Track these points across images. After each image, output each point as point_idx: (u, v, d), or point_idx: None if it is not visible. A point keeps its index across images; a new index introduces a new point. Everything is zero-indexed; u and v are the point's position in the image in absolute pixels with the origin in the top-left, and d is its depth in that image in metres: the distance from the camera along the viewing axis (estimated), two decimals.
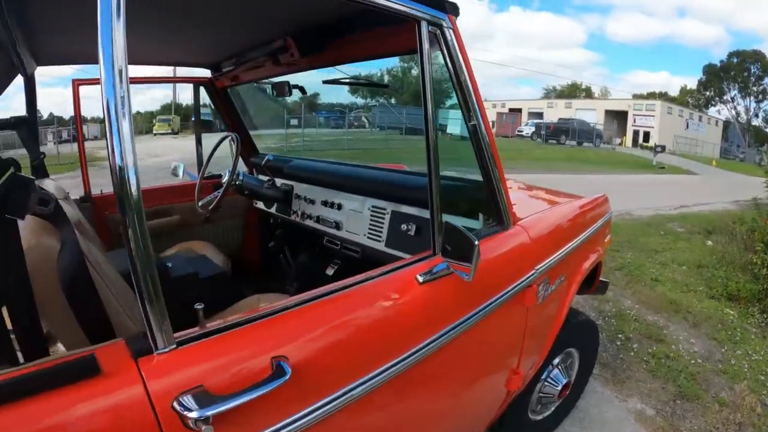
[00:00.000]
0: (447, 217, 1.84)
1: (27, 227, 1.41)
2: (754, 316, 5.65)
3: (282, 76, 3.40)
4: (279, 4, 2.23)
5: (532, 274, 2.24)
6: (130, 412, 1.03)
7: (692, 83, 73.74)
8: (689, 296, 6.17)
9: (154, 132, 47.02)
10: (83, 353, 1.04)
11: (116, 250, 3.04)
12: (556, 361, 3.06)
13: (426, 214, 2.50)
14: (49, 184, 2.98)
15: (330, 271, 3.46)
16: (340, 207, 3.23)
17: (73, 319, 1.32)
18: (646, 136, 53.68)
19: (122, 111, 1.02)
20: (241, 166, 3.79)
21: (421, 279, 1.72)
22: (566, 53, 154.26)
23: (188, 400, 1.06)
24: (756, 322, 5.54)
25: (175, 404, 1.05)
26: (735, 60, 64.53)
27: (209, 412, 1.05)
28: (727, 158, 53.55)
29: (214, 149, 3.66)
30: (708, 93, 69.01)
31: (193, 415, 1.04)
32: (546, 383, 3.01)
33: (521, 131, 49.30)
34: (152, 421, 1.03)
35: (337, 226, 3.22)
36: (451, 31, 1.84)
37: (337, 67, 2.99)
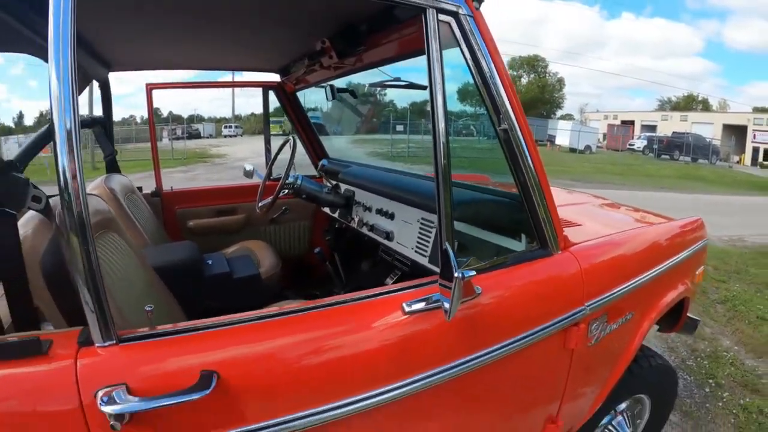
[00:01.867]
0: (486, 235, 1.89)
1: (26, 221, 1.58)
2: None
3: (340, 77, 3.39)
4: (312, 5, 2.18)
5: (580, 311, 1.91)
6: (57, 393, 1.11)
7: None
8: None
9: (272, 133, 49.78)
10: (35, 335, 1.16)
11: (154, 245, 3.07)
12: (622, 407, 2.71)
13: (475, 231, 2.29)
14: (118, 180, 3.20)
15: (389, 281, 3.26)
16: (393, 217, 3.08)
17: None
18: (767, 154, 50.23)
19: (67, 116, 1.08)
20: (306, 170, 3.96)
21: (407, 308, 1.50)
22: (682, 62, 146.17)
23: (108, 394, 1.11)
24: None
25: (98, 395, 1.10)
26: None
27: (120, 410, 1.09)
28: None
29: (278, 152, 3.67)
30: None
31: (106, 409, 1.08)
32: (606, 431, 2.67)
33: (632, 145, 48.02)
34: (76, 407, 1.10)
35: (388, 236, 3.06)
36: (471, 19, 1.61)
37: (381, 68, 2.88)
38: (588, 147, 42.37)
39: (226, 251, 3.77)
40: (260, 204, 3.50)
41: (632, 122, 62.93)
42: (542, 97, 72.77)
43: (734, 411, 3.99)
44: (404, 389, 1.46)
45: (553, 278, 1.90)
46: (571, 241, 2.04)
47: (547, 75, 75.05)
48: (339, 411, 1.35)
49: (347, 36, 2.48)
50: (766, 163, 43.12)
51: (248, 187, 4.11)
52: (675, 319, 3.09)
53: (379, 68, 2.87)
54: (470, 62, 1.65)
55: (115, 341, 1.18)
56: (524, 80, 74.70)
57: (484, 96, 1.69)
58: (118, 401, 1.10)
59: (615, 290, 2.08)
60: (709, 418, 3.90)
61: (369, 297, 1.54)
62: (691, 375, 4.52)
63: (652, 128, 58.62)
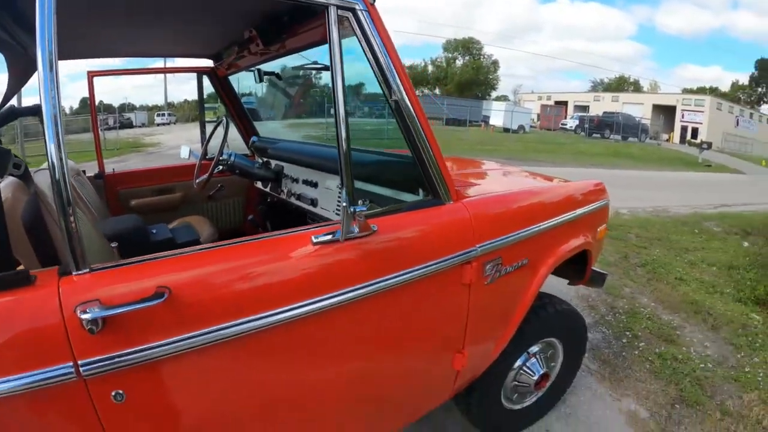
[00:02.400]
0: (390, 192, 2.23)
1: (6, 185, 1.91)
2: None
3: (267, 62, 3.57)
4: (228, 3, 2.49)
5: (472, 251, 2.21)
6: (45, 311, 1.36)
7: (745, 79, 71.61)
8: (714, 298, 5.89)
9: (208, 119, 48.22)
10: (25, 270, 1.41)
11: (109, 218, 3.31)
12: (534, 350, 3.02)
13: (380, 190, 2.64)
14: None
15: None
16: (316, 185, 3.39)
17: (33, 252, 1.74)
18: (695, 132, 52.21)
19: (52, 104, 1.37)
20: (238, 148, 4.08)
21: (315, 240, 1.78)
22: (615, 46, 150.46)
23: (84, 308, 1.36)
24: None
25: (77, 309, 1.36)
26: None
27: (93, 316, 1.34)
28: None
29: (212, 133, 3.89)
30: (760, 89, 66.90)
31: (84, 316, 1.34)
32: (522, 372, 2.99)
33: (565, 124, 49.32)
34: (59, 320, 1.35)
35: (313, 203, 3.38)
36: (366, 13, 1.89)
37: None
38: (521, 127, 43.06)
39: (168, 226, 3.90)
40: (197, 181, 3.72)
41: (566, 103, 64.46)
42: (477, 79, 73.67)
43: (650, 358, 4.30)
44: (315, 305, 1.74)
45: (445, 223, 2.18)
46: (465, 194, 2.36)
47: (482, 57, 75.92)
48: (259, 322, 1.63)
49: (270, 26, 2.72)
50: (693, 141, 44.64)
51: (186, 167, 4.25)
52: (583, 272, 3.47)
53: (301, 53, 3.09)
54: (366, 48, 1.92)
55: (88, 270, 1.44)
56: (459, 62, 75.68)
57: (377, 75, 1.95)
58: (91, 312, 1.35)
59: (505, 236, 2.38)
60: (626, 365, 4.19)
61: (287, 233, 1.83)
62: (609, 329, 4.83)
63: (585, 109, 60.15)
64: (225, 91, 4.40)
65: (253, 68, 3.64)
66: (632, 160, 27.43)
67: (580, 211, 3.07)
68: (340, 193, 2.97)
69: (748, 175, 26.35)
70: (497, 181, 3.71)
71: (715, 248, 8.19)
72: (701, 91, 67.79)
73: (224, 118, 3.70)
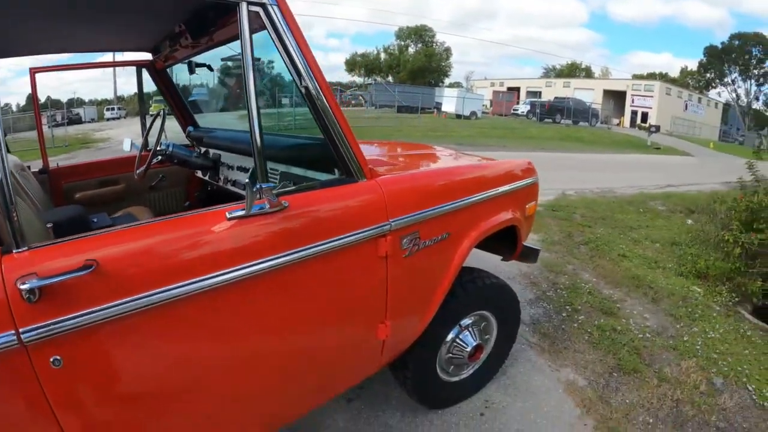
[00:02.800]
0: (307, 173, 2.44)
1: None
2: (721, 295, 5.49)
3: (200, 54, 3.63)
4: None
5: (384, 225, 2.31)
6: None
7: (694, 65, 73.05)
8: (656, 273, 6.00)
9: (151, 113, 47.73)
10: None
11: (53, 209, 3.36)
12: (466, 322, 3.13)
13: (303, 172, 2.77)
14: (9, 158, 3.31)
15: None
16: (248, 171, 3.48)
17: None
18: (645, 116, 52.90)
19: None
20: (178, 139, 4.26)
21: (228, 215, 1.86)
22: (568, 33, 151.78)
23: (23, 280, 1.47)
24: (722, 300, 5.37)
25: (17, 282, 1.47)
26: (736, 42, 63.65)
27: (33, 286, 1.46)
28: (726, 141, 52.96)
29: (151, 124, 3.92)
30: (708, 75, 68.40)
31: (23, 287, 1.45)
32: (455, 344, 3.10)
33: (517, 110, 49.39)
34: (2, 292, 1.46)
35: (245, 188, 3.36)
36: (276, 8, 2.00)
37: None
38: (473, 113, 42.90)
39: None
40: (137, 171, 3.73)
41: (518, 89, 64.90)
42: (429, 66, 73.52)
43: (589, 330, 4.34)
44: (231, 275, 1.84)
45: (356, 199, 2.28)
46: (380, 173, 2.47)
47: (435, 44, 75.85)
48: (179, 290, 1.73)
49: (196, 21, 2.89)
50: (643, 125, 45.38)
51: (130, 159, 4.22)
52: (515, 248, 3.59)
53: (229, 45, 3.18)
54: (276, 40, 2.04)
55: (26, 248, 1.56)
56: (411, 50, 75.40)
57: (287, 64, 2.08)
58: (29, 283, 1.46)
59: (421, 212, 2.48)
60: (565, 337, 4.23)
61: (205, 211, 1.94)
62: (550, 304, 4.86)
63: (538, 95, 60.72)
64: (164, 84, 4.44)
65: (185, 61, 3.69)
66: (582, 144, 27.80)
67: (504, 188, 3.17)
68: (271, 176, 3.03)
69: (695, 157, 26.99)
70: (426, 161, 3.83)
71: (659, 226, 8.35)
72: (651, 77, 69.24)
73: (161, 110, 3.76)
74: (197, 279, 1.77)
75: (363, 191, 2.30)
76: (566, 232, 7.40)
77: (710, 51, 66.85)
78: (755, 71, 64.35)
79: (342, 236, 2.16)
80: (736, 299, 5.46)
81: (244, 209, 1.87)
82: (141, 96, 4.90)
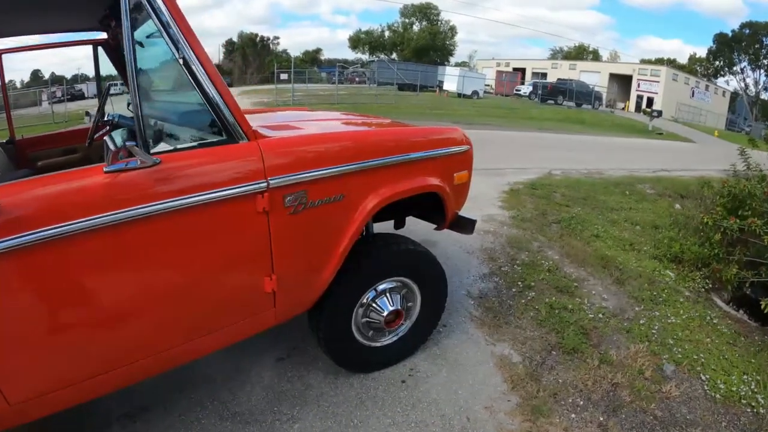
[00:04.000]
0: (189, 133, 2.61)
1: None
2: (694, 281, 5.27)
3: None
4: None
5: (261, 183, 2.43)
6: None
7: (703, 52, 72.28)
8: (629, 255, 5.77)
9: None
10: None
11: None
12: (383, 287, 3.21)
13: (196, 135, 2.77)
14: None
15: None
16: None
17: None
18: (650, 102, 52.46)
19: None
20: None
21: (105, 169, 2.07)
22: (577, 15, 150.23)
23: None
24: (694, 286, 5.16)
25: None
26: (747, 31, 62.77)
27: None
28: (732, 130, 52.28)
29: (104, 97, 4.04)
30: (717, 63, 67.55)
31: None
32: (371, 308, 3.19)
33: (519, 90, 49.63)
34: None
35: None
36: None
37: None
38: (475, 92, 42.94)
39: None
40: (88, 141, 3.97)
41: (524, 70, 64.59)
42: (434, 45, 73.30)
43: (537, 307, 4.15)
44: (105, 219, 2.03)
45: (234, 158, 2.43)
46: (264, 135, 2.60)
47: (439, 23, 75.46)
48: (62, 229, 1.94)
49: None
50: (647, 109, 44.94)
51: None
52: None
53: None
54: (155, 18, 2.19)
55: None
56: (416, 27, 75.19)
57: (165, 37, 2.22)
58: None
59: (306, 172, 2.59)
60: (510, 313, 4.06)
61: (90, 167, 2.16)
62: (503, 279, 4.66)
63: (543, 76, 60.19)
64: (118, 61, 4.61)
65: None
66: (582, 126, 27.39)
67: (417, 154, 3.19)
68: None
69: (697, 144, 26.66)
70: (333, 126, 3.87)
71: (643, 209, 8.06)
72: (659, 62, 68.23)
73: (108, 84, 4.06)
74: (73, 222, 1.95)
75: (240, 152, 2.44)
76: (541, 210, 7.15)
77: (720, 39, 65.91)
78: (765, 61, 63.41)
79: (213, 191, 2.29)
80: (710, 286, 5.24)
81: (118, 165, 2.07)
82: (98, 73, 5.18)
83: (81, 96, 46.74)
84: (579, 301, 4.32)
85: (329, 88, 34.57)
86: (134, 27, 2.12)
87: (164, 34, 2.22)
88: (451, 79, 44.00)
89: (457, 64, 66.88)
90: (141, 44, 2.25)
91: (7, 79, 4.42)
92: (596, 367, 3.40)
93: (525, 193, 8.08)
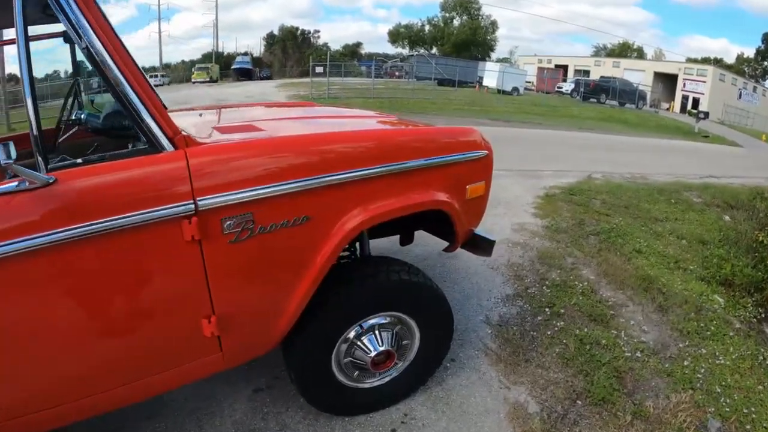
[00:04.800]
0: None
1: None
2: (745, 308, 4.68)
3: None
4: None
5: (186, 204, 1.98)
6: None
7: (751, 52, 70.58)
8: (673, 275, 5.16)
9: (193, 80, 52.94)
10: None
11: None
12: (371, 323, 2.71)
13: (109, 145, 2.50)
14: None
15: None
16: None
17: None
18: (696, 102, 51.18)
19: None
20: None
21: None
22: (621, 12, 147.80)
23: None
24: (745, 316, 4.57)
25: None
26: None
27: None
28: None
29: (68, 94, 3.68)
30: (766, 63, 65.73)
31: None
32: (355, 347, 2.72)
33: (561, 87, 49.06)
34: None
35: None
36: None
37: None
38: (515, 89, 42.42)
39: None
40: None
41: (566, 67, 63.73)
42: (474, 40, 73.58)
43: (565, 341, 3.63)
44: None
45: (151, 173, 2.00)
46: (199, 141, 2.17)
47: (480, 17, 75.51)
48: None
49: None
50: (693, 110, 43.81)
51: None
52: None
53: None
54: (56, 9, 1.82)
55: None
56: (456, 22, 75.88)
57: (68, 28, 1.85)
58: None
59: (251, 189, 2.13)
60: (532, 347, 3.55)
61: None
62: (529, 303, 4.15)
63: (586, 73, 59.34)
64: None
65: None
66: (625, 126, 26.52)
67: (415, 162, 2.63)
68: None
69: (745, 148, 25.48)
70: (306, 126, 3.39)
71: (689, 220, 7.39)
72: (706, 61, 66.57)
73: (75, 80, 3.55)
74: None
75: (160, 164, 2.01)
76: (578, 219, 6.56)
77: None
78: None
79: (122, 216, 1.89)
80: (763, 315, 4.64)
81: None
82: (75, 66, 4.52)
83: None
84: (614, 334, 3.78)
85: (366, 82, 34.34)
86: (25, 6, 1.76)
87: (59, 13, 1.85)
88: (491, 75, 43.45)
89: (498, 60, 66.32)
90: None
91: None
92: (628, 423, 2.88)
93: (562, 198, 7.52)
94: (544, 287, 4.43)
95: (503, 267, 4.75)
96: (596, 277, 4.76)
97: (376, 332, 2.73)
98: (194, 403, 2.91)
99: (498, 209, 6.64)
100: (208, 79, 52.66)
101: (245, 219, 2.12)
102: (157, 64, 67.15)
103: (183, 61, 70.42)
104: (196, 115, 3.59)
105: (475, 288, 4.33)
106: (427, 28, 77.93)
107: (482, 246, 3.21)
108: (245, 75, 58.30)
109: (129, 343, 2.13)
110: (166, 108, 2.13)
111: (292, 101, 6.02)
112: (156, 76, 55.51)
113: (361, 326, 2.68)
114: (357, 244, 3.08)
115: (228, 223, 2.08)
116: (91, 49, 1.86)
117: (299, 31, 74.61)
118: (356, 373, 2.78)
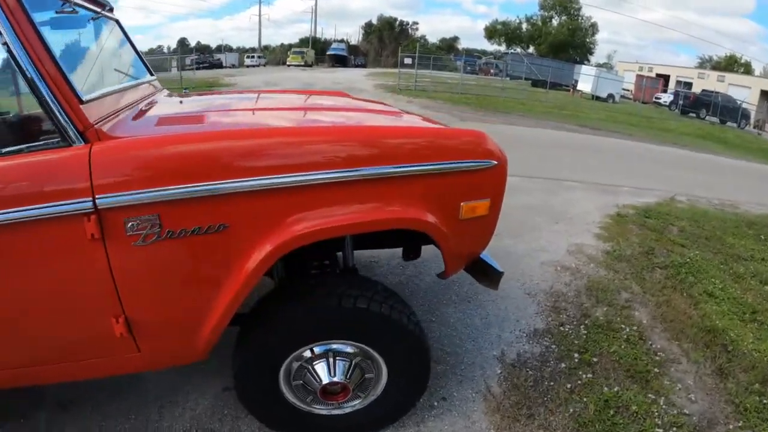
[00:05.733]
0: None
1: None
2: None
3: None
4: None
5: (83, 202, 1.95)
6: None
7: None
8: (746, 328, 4.33)
9: (288, 63, 56.19)
10: None
11: None
12: (322, 349, 2.47)
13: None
14: None
15: None
16: None
17: None
18: None
19: None
20: None
21: None
22: (728, 22, 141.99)
23: None
24: None
25: None
26: None
27: None
28: None
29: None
30: None
31: None
32: (305, 370, 2.51)
33: (659, 98, 47.33)
34: None
35: None
36: None
37: None
38: (611, 96, 41.45)
39: None
40: None
41: (667, 77, 61.51)
42: (572, 41, 73.21)
43: (585, 399, 3.05)
44: None
45: (52, 168, 1.99)
46: (112, 135, 2.10)
47: (580, 18, 75.10)
48: None
49: None
50: None
51: None
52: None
53: None
54: None
55: None
56: (555, 22, 75.98)
57: None
58: None
59: (155, 190, 2.01)
60: (543, 400, 3.03)
61: None
62: (557, 344, 3.58)
63: (688, 85, 57.03)
64: None
65: None
66: (724, 146, 24.66)
67: (377, 169, 2.30)
68: None
69: None
70: (280, 119, 3.07)
71: None
72: None
73: None
74: None
75: (62, 159, 1.99)
76: (647, 246, 5.86)
77: None
78: None
79: (19, 209, 1.91)
80: None
81: None
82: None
83: (219, 65, 52.19)
84: (651, 399, 3.14)
85: (456, 77, 34.24)
86: None
87: None
88: (586, 79, 42.79)
89: (598, 65, 65.28)
90: None
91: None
92: None
93: (634, 221, 6.83)
94: (582, 326, 3.85)
95: (542, 294, 4.21)
96: (650, 321, 4.10)
97: (330, 360, 2.50)
98: (162, 390, 2.96)
99: (558, 225, 6.12)
100: (302, 63, 54.94)
101: (150, 221, 2.04)
102: (255, 45, 70.26)
103: (282, 45, 77.30)
104: (177, 102, 3.46)
105: (501, 315, 3.84)
106: (524, 26, 78.43)
107: (489, 275, 2.90)
108: (340, 61, 61.73)
109: (35, 328, 2.17)
110: (82, 101, 2.01)
111: (327, 90, 5.87)
112: (253, 56, 60.37)
113: (311, 350, 2.46)
114: (339, 254, 2.92)
115: (131, 224, 2.03)
116: (9, 46, 1.87)
117: (397, 22, 78.96)
118: (309, 398, 2.59)
